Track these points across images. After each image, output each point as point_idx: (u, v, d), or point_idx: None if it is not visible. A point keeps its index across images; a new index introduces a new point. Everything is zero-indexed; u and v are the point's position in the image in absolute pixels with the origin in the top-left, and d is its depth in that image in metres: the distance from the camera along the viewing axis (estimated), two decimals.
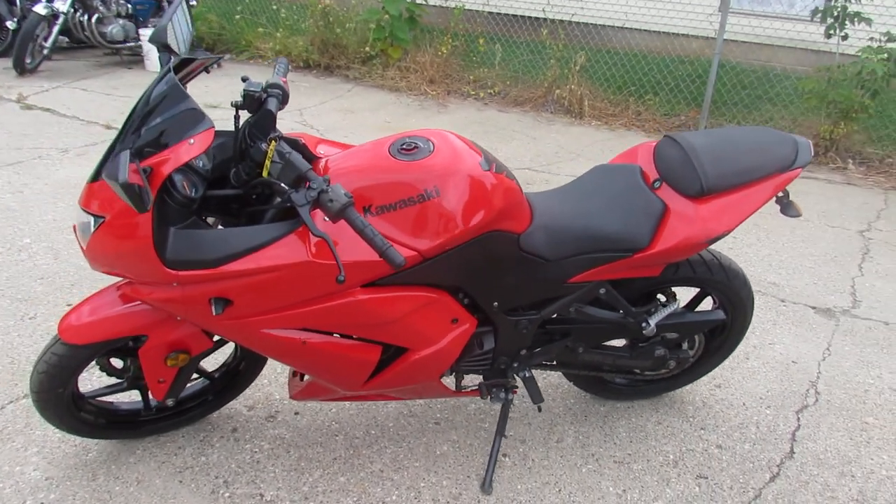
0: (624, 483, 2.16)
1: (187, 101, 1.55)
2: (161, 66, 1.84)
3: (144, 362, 1.88)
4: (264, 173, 1.63)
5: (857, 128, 5.46)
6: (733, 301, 2.22)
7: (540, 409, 2.43)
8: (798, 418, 2.50)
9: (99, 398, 2.12)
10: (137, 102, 1.61)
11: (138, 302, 1.80)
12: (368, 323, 1.78)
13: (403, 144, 1.76)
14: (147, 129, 1.54)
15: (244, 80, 1.78)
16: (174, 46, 1.84)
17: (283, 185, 1.56)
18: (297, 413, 2.39)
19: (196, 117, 1.53)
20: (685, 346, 2.29)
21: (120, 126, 1.70)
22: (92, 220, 1.62)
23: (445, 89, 7.10)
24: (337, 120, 5.96)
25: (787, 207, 1.96)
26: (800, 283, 3.51)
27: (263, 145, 1.65)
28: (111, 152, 1.61)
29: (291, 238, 1.63)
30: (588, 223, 1.90)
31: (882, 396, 2.65)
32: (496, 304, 1.94)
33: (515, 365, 2.11)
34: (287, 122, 5.80)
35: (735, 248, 3.86)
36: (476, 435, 2.34)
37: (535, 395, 2.12)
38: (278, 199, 1.70)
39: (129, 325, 1.81)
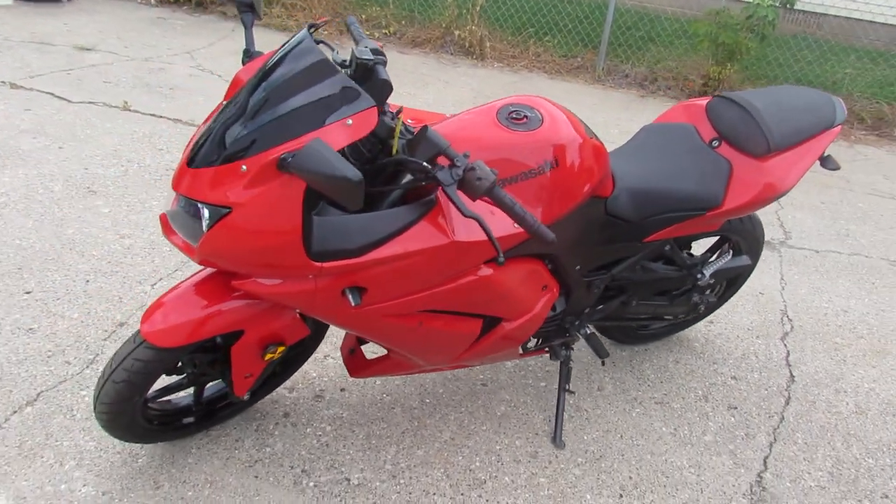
0: (672, 422, 2.33)
1: (339, 77, 1.39)
2: (245, 26, 1.63)
3: (236, 358, 1.71)
4: (394, 150, 1.52)
5: (738, 68, 5.95)
6: (753, 247, 2.41)
7: (604, 364, 2.52)
8: (785, 345, 2.80)
9: (159, 399, 1.91)
10: (264, 74, 1.42)
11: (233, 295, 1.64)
12: (484, 298, 1.75)
13: (511, 113, 1.71)
14: (290, 108, 1.36)
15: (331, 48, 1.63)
16: (257, 6, 1.63)
17: (424, 163, 1.46)
18: (342, 390, 2.31)
19: (351, 94, 1.38)
20: (712, 291, 2.47)
21: (230, 98, 1.50)
22: (206, 210, 1.43)
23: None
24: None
25: (827, 161, 2.14)
26: None
27: (388, 119, 1.53)
28: (224, 129, 1.42)
29: (430, 219, 1.54)
30: (668, 184, 1.97)
31: (839, 318, 3.03)
32: (578, 267, 1.97)
33: (577, 323, 2.17)
34: (181, 68, 5.29)
35: None
36: (525, 392, 2.40)
37: (601, 350, 2.20)
38: (408, 178, 1.59)
39: (226, 321, 1.63)
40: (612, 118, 5.37)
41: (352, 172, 1.16)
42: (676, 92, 6.10)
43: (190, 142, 1.59)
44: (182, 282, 1.70)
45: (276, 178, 1.37)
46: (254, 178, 1.37)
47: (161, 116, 4.35)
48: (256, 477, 1.96)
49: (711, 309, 2.61)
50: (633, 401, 2.41)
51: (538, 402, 2.35)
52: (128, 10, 6.64)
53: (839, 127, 2.12)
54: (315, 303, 1.55)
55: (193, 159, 1.46)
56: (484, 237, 1.59)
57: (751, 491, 2.09)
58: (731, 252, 2.33)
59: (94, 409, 1.73)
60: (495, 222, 1.61)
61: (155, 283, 2.74)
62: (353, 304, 1.52)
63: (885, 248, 3.72)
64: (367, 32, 6.74)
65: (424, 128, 1.45)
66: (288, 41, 1.49)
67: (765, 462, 2.21)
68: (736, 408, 2.43)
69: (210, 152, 1.43)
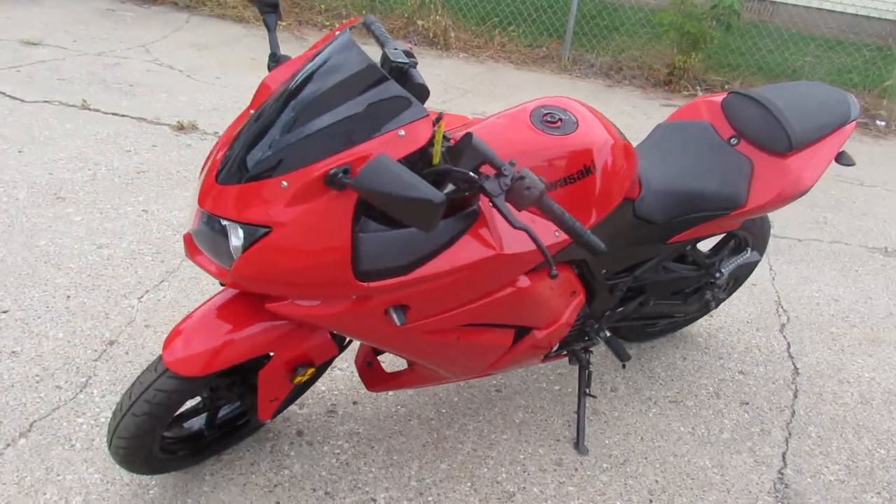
0: (689, 421, 2.32)
1: (389, 84, 1.29)
2: (269, 29, 1.52)
3: (264, 382, 1.61)
4: (435, 159, 1.43)
5: (701, 57, 6.01)
6: (760, 242, 2.41)
7: (624, 367, 2.49)
8: (784, 337, 2.83)
9: (173, 427, 1.79)
10: (302, 81, 1.32)
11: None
12: (521, 309, 1.69)
13: (545, 116, 1.64)
14: (336, 120, 1.26)
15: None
16: (281, 7, 1.52)
17: (471, 173, 1.38)
18: (355, 403, 2.22)
19: (401, 103, 1.28)
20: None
21: (257, 107, 1.39)
22: (240, 230, 1.32)
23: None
24: (194, 58, 5.29)
25: (842, 157, 2.15)
26: None
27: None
28: (256, 141, 1.31)
29: (475, 231, 1.47)
30: (693, 184, 1.94)
31: (831, 307, 3.08)
32: (604, 271, 1.93)
33: (597, 327, 2.13)
34: (137, 62, 5.05)
35: None
36: (540, 396, 2.35)
37: (623, 353, 2.16)
38: (449, 188, 1.50)
39: (255, 345, 1.53)
40: None
41: (433, 193, 1.08)
42: (642, 81, 6.13)
43: (212, 154, 1.48)
44: (203, 304, 1.58)
45: (322, 195, 1.27)
46: (297, 194, 1.27)
47: (124, 115, 4.13)
48: (278, 502, 1.86)
49: (719, 304, 2.61)
50: (647, 401, 2.39)
51: (555, 407, 2.31)
52: (74, 0, 6.30)
53: (854, 123, 2.12)
54: (355, 323, 1.46)
55: (221, 174, 1.34)
56: (527, 248, 1.53)
57: (774, 489, 2.09)
58: (747, 249, 2.32)
59: (109, 443, 1.60)
60: (536, 231, 1.55)
61: (142, 297, 2.58)
62: (398, 323, 1.43)
63: (863, 235, 3.80)
64: (328, 23, 6.58)
65: (468, 135, 1.37)
66: (326, 45, 1.39)
67: (783, 458, 2.21)
68: (748, 403, 2.43)
69: (242, 167, 1.32)
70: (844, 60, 6.09)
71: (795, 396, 2.50)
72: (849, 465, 2.22)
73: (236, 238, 1.34)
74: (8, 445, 1.92)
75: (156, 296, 2.60)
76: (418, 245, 1.40)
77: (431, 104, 4.91)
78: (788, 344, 2.79)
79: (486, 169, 1.42)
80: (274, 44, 1.56)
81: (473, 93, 5.35)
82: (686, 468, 2.13)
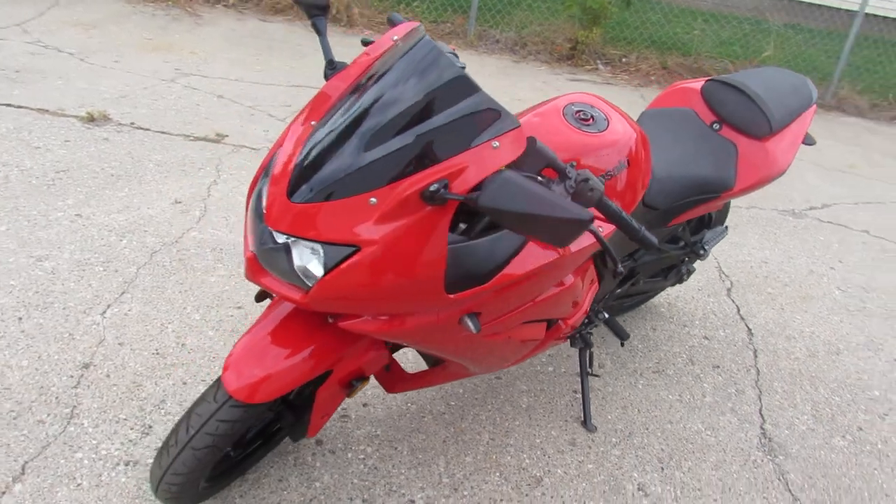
0: (674, 389, 2.48)
1: (480, 95, 1.26)
2: (320, 33, 1.43)
3: (321, 399, 1.55)
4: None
5: (600, 31, 6.25)
6: (725, 215, 2.59)
7: (623, 345, 2.58)
8: (732, 301, 3.07)
9: None
10: (376, 91, 1.26)
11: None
12: (562, 304, 1.73)
13: (577, 114, 1.67)
14: (425, 132, 1.23)
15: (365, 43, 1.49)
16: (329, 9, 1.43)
17: (539, 177, 1.39)
18: (365, 405, 2.19)
19: (494, 114, 1.26)
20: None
21: (321, 118, 1.32)
22: (323, 251, 1.26)
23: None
24: (83, 39, 4.85)
25: (806, 137, 2.33)
26: None
27: None
28: (330, 155, 1.25)
29: None
30: (689, 170, 2.05)
31: (763, 269, 3.36)
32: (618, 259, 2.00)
33: (597, 309, 2.22)
34: (16, 44, 4.56)
35: None
36: (538, 379, 2.42)
37: (622, 332, 2.26)
38: None
39: (317, 365, 1.47)
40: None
41: (579, 211, 1.07)
42: (546, 56, 6.29)
43: (277, 167, 1.35)
44: (255, 326, 1.50)
45: (418, 211, 1.23)
46: (389, 211, 1.23)
47: (21, 107, 3.73)
48: None
49: (690, 276, 2.78)
50: (634, 373, 2.52)
51: (554, 388, 2.39)
52: None
53: (815, 105, 2.31)
54: (431, 334, 1.44)
55: (296, 192, 1.27)
56: (579, 247, 1.56)
57: (760, 444, 2.29)
58: (719, 225, 2.48)
59: (158, 482, 1.49)
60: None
61: (104, 312, 2.39)
62: (474, 331, 1.43)
63: (773, 200, 4.16)
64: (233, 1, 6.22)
65: (532, 139, 1.38)
66: (406, 50, 1.33)
67: (761, 414, 2.42)
68: (719, 366, 2.63)
69: (322, 184, 1.25)
70: (727, 33, 6.54)
71: (756, 356, 2.73)
72: (814, 414, 2.46)
73: (317, 259, 1.28)
74: (3, 493, 1.73)
75: (120, 310, 2.41)
76: (496, 253, 1.40)
77: None
78: (738, 307, 3.02)
79: (548, 172, 1.43)
80: (327, 49, 1.48)
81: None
82: (683, 434, 2.28)
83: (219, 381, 1.48)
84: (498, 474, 2.02)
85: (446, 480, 1.98)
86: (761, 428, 2.36)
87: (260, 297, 1.64)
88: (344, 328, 1.39)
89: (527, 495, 1.97)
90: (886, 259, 3.69)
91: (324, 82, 1.44)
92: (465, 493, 1.95)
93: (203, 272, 2.67)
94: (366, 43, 1.58)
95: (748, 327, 2.89)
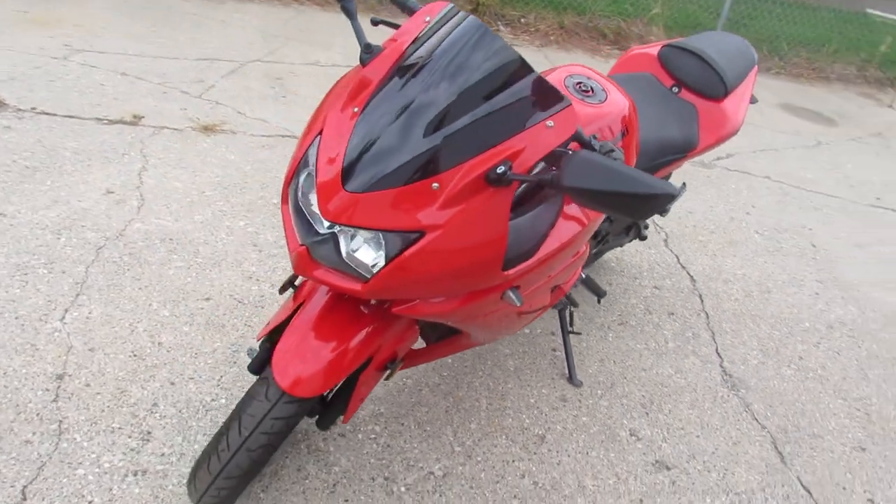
0: (640, 338, 2.65)
1: (533, 76, 1.27)
2: (352, 17, 1.40)
3: (362, 386, 1.55)
4: None
5: None
6: (678, 174, 2.75)
7: (599, 301, 2.68)
8: (671, 250, 3.28)
9: None
10: (427, 75, 1.25)
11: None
12: (576, 269, 1.80)
13: (578, 86, 1.73)
14: (482, 115, 1.23)
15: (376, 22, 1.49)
16: None
17: (569, 150, 1.44)
18: None
19: (547, 93, 1.28)
20: None
21: (364, 102, 1.29)
22: (385, 239, 1.26)
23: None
24: None
25: (752, 96, 2.51)
26: None
27: None
28: (384, 142, 1.24)
29: (566, 208, 1.54)
30: (660, 132, 2.16)
31: (691, 219, 3.61)
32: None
33: None
34: None
35: None
36: (518, 342, 2.51)
37: (599, 290, 2.38)
38: (541, 166, 1.53)
39: (360, 353, 1.46)
40: None
41: (668, 186, 1.12)
42: None
43: (324, 158, 1.30)
44: (296, 319, 1.47)
45: (480, 193, 1.25)
46: (453, 195, 1.24)
47: None
48: (346, 500, 1.82)
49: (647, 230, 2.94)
50: (602, 328, 2.67)
51: (535, 349, 2.48)
52: None
53: (757, 66, 2.49)
54: (477, 312, 1.47)
55: (350, 181, 1.25)
56: (598, 216, 1.63)
57: (723, 381, 2.50)
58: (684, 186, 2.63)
59: (209, 487, 1.45)
60: None
61: (63, 317, 2.23)
62: (517, 304, 1.47)
63: None
64: None
65: None
66: (450, 31, 1.32)
67: (718, 353, 2.64)
68: (673, 313, 2.83)
69: (380, 172, 1.24)
70: None
71: (702, 300, 2.95)
72: (761, 349, 2.71)
73: (373, 248, 1.27)
74: None
75: (80, 314, 2.25)
76: (537, 228, 1.45)
77: (261, 54, 4.61)
78: (676, 256, 3.24)
79: (575, 145, 1.48)
80: (360, 33, 1.43)
81: (296, 40, 5.10)
82: (657, 379, 2.45)
83: (265, 380, 1.44)
84: (504, 437, 2.10)
85: (458, 449, 2.03)
86: (721, 366, 2.57)
87: (284, 289, 1.60)
88: (397, 313, 1.39)
89: (535, 454, 2.06)
90: (788, 201, 4.06)
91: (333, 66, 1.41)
92: (479, 458, 2.01)
93: (159, 265, 2.53)
94: (375, 23, 1.55)
95: (689, 274, 3.11)
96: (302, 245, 1.32)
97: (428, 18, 1.39)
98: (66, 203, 2.78)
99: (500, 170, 1.22)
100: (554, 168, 1.28)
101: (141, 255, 2.57)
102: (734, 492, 2.06)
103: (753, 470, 2.15)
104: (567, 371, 2.37)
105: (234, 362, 2.17)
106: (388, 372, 1.60)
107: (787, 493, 2.09)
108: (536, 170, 1.48)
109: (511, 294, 1.47)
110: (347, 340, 1.45)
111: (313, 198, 1.33)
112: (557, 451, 2.08)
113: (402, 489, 1.88)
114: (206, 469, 1.46)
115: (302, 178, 1.35)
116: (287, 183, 1.38)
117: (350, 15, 1.42)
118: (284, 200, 1.40)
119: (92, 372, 2.05)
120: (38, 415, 1.89)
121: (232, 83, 4.16)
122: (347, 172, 1.26)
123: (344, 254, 1.29)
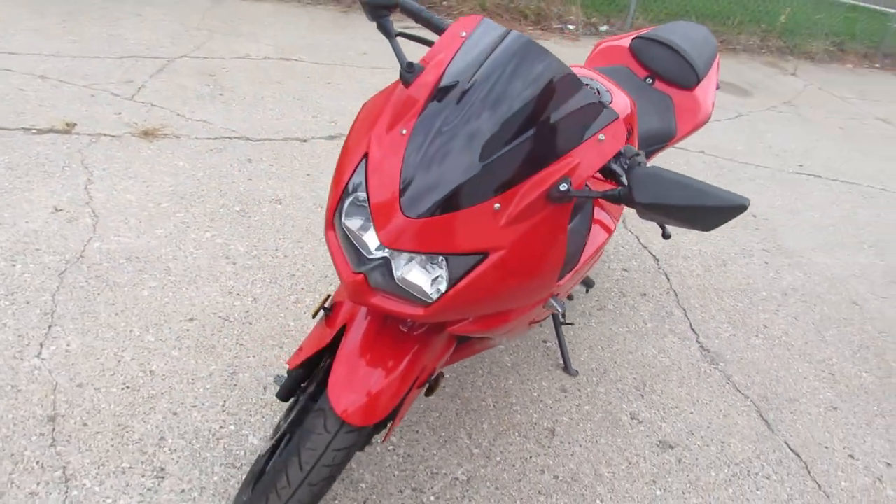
0: (621, 322, 2.74)
1: (584, 90, 1.28)
2: (390, 35, 1.36)
3: (406, 404, 1.54)
4: None
5: None
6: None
7: (588, 291, 2.72)
8: (631, 231, 3.39)
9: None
10: (480, 95, 1.24)
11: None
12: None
13: None
14: (537, 133, 1.23)
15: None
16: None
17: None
18: None
19: (597, 107, 1.29)
20: None
21: (413, 125, 1.26)
22: (447, 263, 1.24)
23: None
24: None
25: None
26: None
27: None
28: (440, 165, 1.23)
29: (596, 216, 1.57)
30: (645, 124, 2.22)
31: None
32: None
33: None
34: None
35: None
36: (513, 339, 2.54)
37: (588, 280, 2.44)
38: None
39: (410, 374, 1.45)
40: (336, 43, 5.26)
41: (738, 199, 1.15)
42: None
43: (376, 182, 1.25)
44: (343, 347, 1.43)
45: (542, 211, 1.26)
46: (515, 215, 1.24)
47: None
48: None
49: None
50: (584, 314, 2.74)
51: (527, 342, 2.52)
52: None
53: (718, 53, 2.59)
54: (522, 323, 1.48)
55: (410, 207, 1.22)
56: (615, 222, 1.67)
57: (703, 356, 2.63)
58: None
59: None
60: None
61: (40, 353, 2.08)
62: (559, 310, 1.49)
63: None
64: None
65: None
66: (493, 47, 1.30)
67: (693, 330, 2.77)
68: (645, 294, 2.94)
69: (441, 196, 1.22)
70: None
71: (668, 279, 3.07)
72: (729, 321, 2.87)
73: (431, 270, 1.26)
74: None
75: (58, 347, 2.11)
76: (579, 235, 1.47)
77: (182, 50, 4.38)
78: (637, 237, 3.35)
79: None
80: (400, 53, 1.37)
81: (221, 33, 4.88)
82: (644, 360, 2.55)
83: (321, 411, 1.40)
84: (517, 434, 2.13)
85: (476, 451, 2.05)
86: (698, 342, 2.70)
87: (316, 313, 1.56)
88: (452, 332, 1.38)
89: (549, 447, 2.11)
90: (724, 174, 4.27)
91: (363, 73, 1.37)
92: (498, 458, 2.04)
93: (131, 287, 2.40)
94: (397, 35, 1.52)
95: (652, 254, 3.23)
96: (359, 273, 1.29)
97: (464, 34, 1.36)
98: (12, 225, 2.57)
99: (563, 187, 1.23)
100: (609, 181, 1.30)
101: (108, 276, 2.42)
102: (734, 462, 2.18)
103: (746, 440, 2.28)
104: (562, 361, 2.42)
105: (235, 385, 2.10)
106: (426, 387, 1.59)
107: (779, 458, 2.24)
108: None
109: (554, 302, 1.49)
110: (398, 364, 1.43)
111: (357, 222, 1.30)
112: (569, 443, 2.14)
113: (432, 498, 1.88)
114: None
115: (347, 202, 1.31)
116: (332, 209, 1.34)
117: (388, 34, 1.38)
118: (329, 227, 1.35)
119: (86, 409, 1.93)
120: (37, 462, 1.77)
121: (163, 82, 3.94)
122: (404, 197, 1.23)
123: (397, 278, 1.27)
